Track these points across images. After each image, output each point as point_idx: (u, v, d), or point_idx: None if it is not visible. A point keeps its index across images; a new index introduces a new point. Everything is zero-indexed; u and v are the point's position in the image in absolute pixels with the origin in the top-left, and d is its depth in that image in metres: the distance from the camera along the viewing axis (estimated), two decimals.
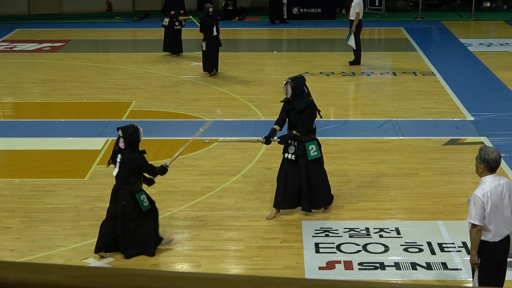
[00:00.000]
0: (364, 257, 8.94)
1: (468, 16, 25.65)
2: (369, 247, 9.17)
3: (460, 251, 9.05)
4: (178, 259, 8.99)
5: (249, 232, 9.55)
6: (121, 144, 8.67)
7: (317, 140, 9.85)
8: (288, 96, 9.69)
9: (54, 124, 14.10)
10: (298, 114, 9.69)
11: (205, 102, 15.37)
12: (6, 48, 21.15)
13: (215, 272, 8.41)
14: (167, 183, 11.18)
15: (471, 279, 8.50)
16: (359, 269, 8.68)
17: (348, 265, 8.75)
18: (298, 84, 9.68)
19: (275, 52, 20.66)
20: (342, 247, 9.16)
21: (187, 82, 17.10)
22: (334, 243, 9.27)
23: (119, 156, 8.68)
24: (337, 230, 9.60)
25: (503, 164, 11.82)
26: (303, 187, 9.82)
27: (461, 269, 8.64)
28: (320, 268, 8.69)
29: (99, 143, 12.98)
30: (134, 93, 16.15)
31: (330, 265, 8.75)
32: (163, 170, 8.97)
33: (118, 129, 8.74)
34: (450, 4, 28.09)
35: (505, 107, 14.93)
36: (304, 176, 9.78)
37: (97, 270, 1.73)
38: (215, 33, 16.95)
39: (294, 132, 9.68)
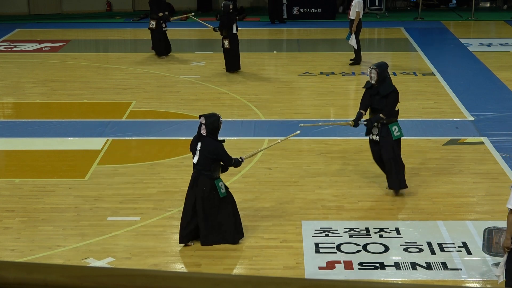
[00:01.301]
0: (364, 257, 8.94)
1: (468, 16, 25.65)
2: (369, 247, 9.17)
3: (460, 251, 9.05)
4: (178, 259, 9.00)
5: (249, 232, 9.55)
6: (203, 131, 9.05)
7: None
8: (373, 81, 10.39)
9: (54, 124, 14.10)
10: (383, 98, 10.35)
11: (205, 102, 15.36)
12: (6, 48, 21.15)
13: (215, 272, 8.41)
14: (167, 183, 11.19)
15: (471, 279, 8.52)
16: (359, 269, 8.68)
17: (348, 265, 8.75)
18: (382, 70, 10.39)
19: (275, 52, 20.66)
20: (342, 247, 9.16)
21: (187, 82, 17.10)
22: (334, 243, 9.26)
23: (199, 144, 9.04)
24: (337, 230, 9.60)
25: (503, 164, 11.82)
26: (389, 167, 10.47)
27: (461, 269, 8.64)
28: (320, 268, 8.69)
29: (99, 143, 12.99)
30: (134, 93, 16.15)
31: (330, 265, 8.75)
32: (238, 163, 9.31)
33: (200, 116, 9.13)
34: (447, 5, 28.07)
35: (505, 107, 14.92)
36: (391, 155, 10.41)
37: (97, 270, 1.73)
38: (235, 31, 17.05)
39: (381, 115, 10.32)
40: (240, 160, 9.35)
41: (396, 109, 10.53)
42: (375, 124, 10.43)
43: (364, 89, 10.66)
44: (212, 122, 9.04)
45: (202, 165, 9.01)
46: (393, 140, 10.43)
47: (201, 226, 9.12)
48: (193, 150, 9.16)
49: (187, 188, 9.15)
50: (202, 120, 9.07)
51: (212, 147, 8.98)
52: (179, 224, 9.28)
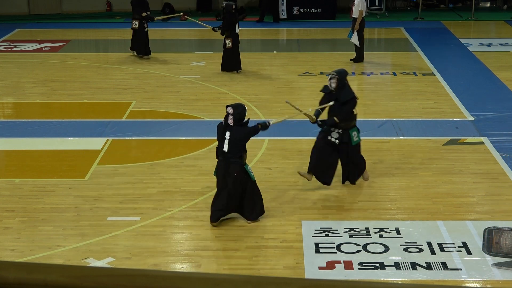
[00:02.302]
0: (364, 257, 8.94)
1: (468, 16, 25.66)
2: (369, 247, 9.17)
3: (460, 251, 9.04)
4: (178, 259, 8.99)
5: (249, 232, 9.55)
6: (230, 121, 9.43)
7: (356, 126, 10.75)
8: (332, 88, 10.57)
9: (54, 124, 14.10)
10: (342, 104, 10.49)
11: (205, 102, 15.36)
12: (6, 48, 21.15)
13: (215, 272, 8.41)
14: (167, 183, 11.19)
15: (471, 279, 8.52)
16: (359, 269, 8.68)
17: (348, 265, 8.74)
18: (342, 77, 10.57)
19: (275, 52, 20.65)
20: (342, 247, 9.16)
21: (187, 82, 17.10)
22: (334, 243, 9.26)
23: (228, 133, 9.43)
24: (337, 230, 9.60)
25: (503, 164, 11.82)
26: (346, 169, 10.78)
27: (461, 269, 8.64)
28: (320, 268, 8.69)
29: (99, 143, 12.98)
30: (134, 93, 16.15)
31: (330, 265, 8.75)
32: (265, 126, 9.74)
33: (227, 106, 9.52)
34: (447, 5, 28.08)
35: (505, 107, 14.92)
36: (348, 159, 10.67)
37: (97, 270, 1.74)
38: (237, 30, 17.13)
39: (335, 118, 10.46)
40: (268, 124, 9.77)
41: (355, 113, 10.69)
42: (335, 129, 10.56)
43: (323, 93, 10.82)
44: (240, 112, 9.47)
45: (232, 153, 9.41)
46: (351, 146, 10.66)
47: (245, 206, 9.61)
48: (220, 139, 9.53)
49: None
50: (230, 110, 9.45)
51: (241, 133, 9.42)
52: (211, 204, 9.68)
